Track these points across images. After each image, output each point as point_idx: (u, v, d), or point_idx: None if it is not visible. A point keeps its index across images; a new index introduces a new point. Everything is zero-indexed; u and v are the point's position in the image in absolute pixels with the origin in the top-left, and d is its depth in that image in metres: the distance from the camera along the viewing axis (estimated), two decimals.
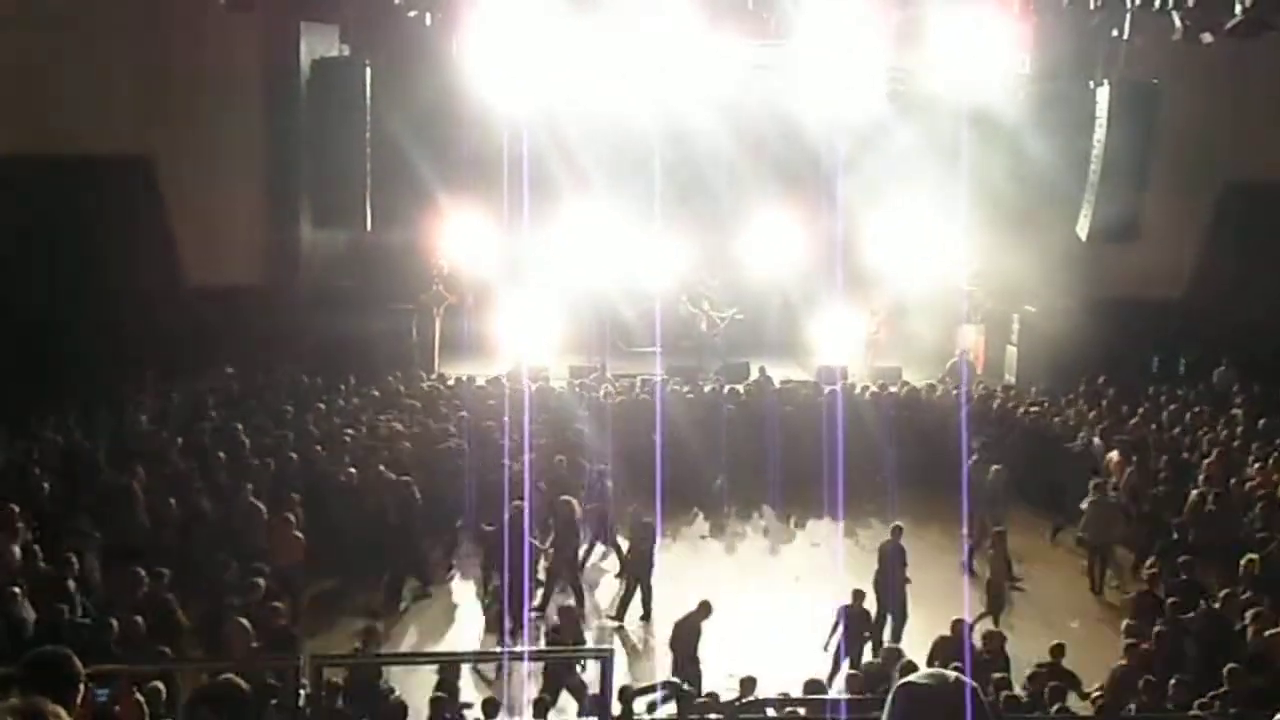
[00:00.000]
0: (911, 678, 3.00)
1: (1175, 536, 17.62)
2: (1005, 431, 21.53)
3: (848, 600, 14.77)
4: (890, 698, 2.95)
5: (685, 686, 12.10)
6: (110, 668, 9.11)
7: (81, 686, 4.95)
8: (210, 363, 21.81)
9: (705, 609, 14.36)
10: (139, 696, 8.52)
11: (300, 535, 15.79)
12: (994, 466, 19.02)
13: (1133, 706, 12.19)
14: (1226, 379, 23.44)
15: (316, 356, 22.51)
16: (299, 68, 22.94)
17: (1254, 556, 15.86)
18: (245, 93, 22.92)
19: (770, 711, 12.21)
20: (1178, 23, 18.67)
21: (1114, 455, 20.05)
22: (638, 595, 16.81)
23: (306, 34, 23.11)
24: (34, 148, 19.54)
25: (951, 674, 2.97)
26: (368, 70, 22.86)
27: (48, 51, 19.72)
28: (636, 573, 16.83)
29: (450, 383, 23.11)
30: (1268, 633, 13.26)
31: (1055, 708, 11.84)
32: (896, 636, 15.60)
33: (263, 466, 17.75)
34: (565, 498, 17.14)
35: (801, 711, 11.89)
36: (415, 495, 17.29)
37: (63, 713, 2.84)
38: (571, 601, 16.01)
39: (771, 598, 17.14)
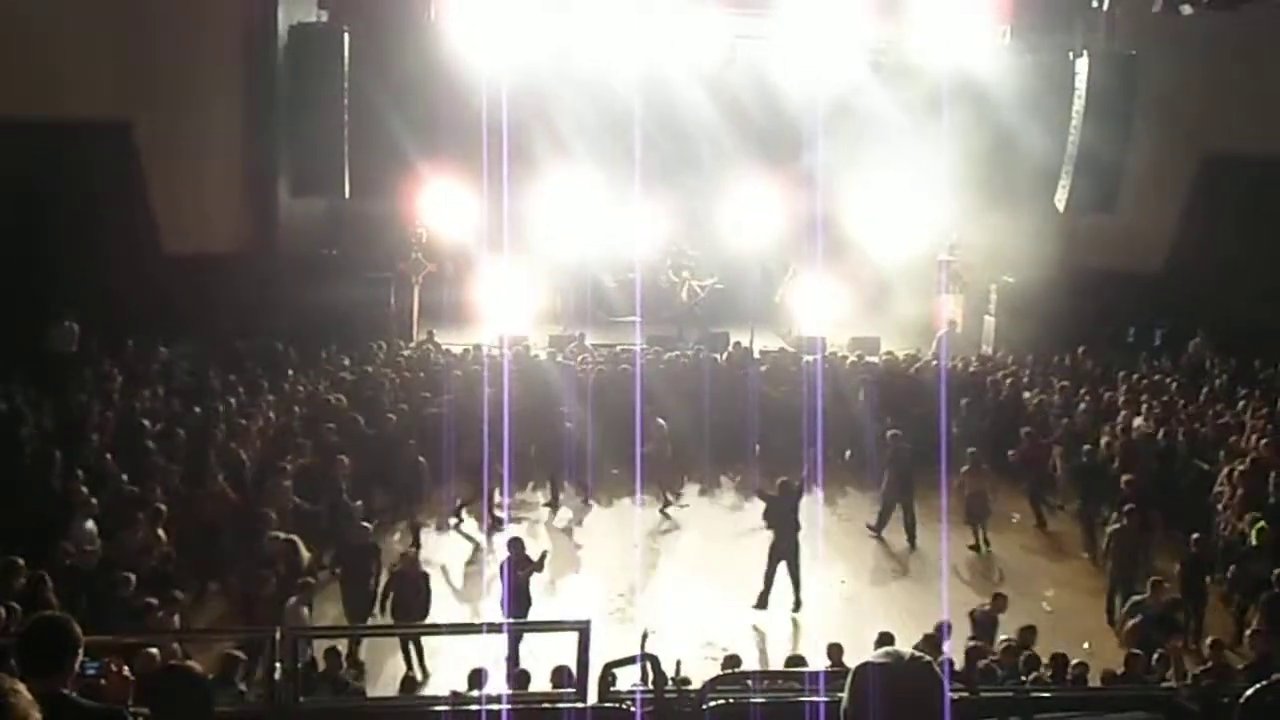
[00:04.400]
0: (868, 659, 3.05)
1: None
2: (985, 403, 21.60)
3: None
4: (850, 678, 3.01)
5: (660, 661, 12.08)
6: (101, 639, 9.03)
7: (79, 654, 4.93)
8: (187, 331, 21.68)
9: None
10: (126, 671, 8.49)
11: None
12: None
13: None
14: (1201, 350, 23.55)
15: (294, 325, 22.39)
16: (277, 33, 22.79)
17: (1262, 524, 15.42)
18: (223, 58, 22.72)
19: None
20: None
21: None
22: None
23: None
24: (11, 112, 19.34)
25: (906, 651, 3.04)
26: (345, 36, 22.78)
27: (27, 17, 19.49)
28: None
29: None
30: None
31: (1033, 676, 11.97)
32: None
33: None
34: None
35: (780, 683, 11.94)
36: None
37: (21, 688, 2.84)
38: None
39: (748, 570, 17.08)
